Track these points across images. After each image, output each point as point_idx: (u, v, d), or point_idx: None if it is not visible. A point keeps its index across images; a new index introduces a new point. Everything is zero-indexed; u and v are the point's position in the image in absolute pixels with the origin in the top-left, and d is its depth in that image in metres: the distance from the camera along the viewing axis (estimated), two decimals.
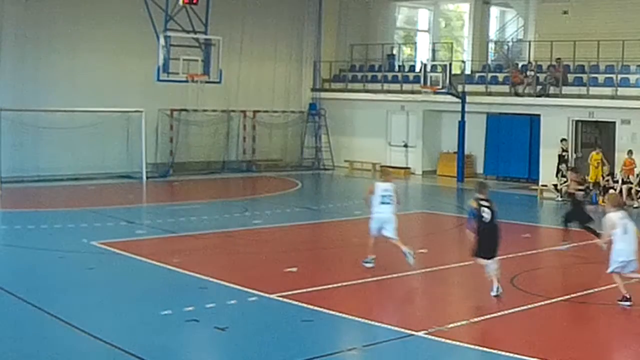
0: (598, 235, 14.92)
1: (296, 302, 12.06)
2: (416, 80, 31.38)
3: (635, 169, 24.52)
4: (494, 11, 36.68)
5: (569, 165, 26.09)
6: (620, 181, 24.44)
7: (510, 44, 35.08)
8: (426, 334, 10.56)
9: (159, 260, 14.93)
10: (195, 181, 29.26)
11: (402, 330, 10.72)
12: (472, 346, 10.14)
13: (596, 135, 28.69)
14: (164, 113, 30.54)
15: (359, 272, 14.13)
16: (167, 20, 25.99)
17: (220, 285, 13.25)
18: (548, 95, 27.81)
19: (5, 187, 24.32)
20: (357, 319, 11.35)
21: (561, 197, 25.05)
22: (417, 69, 33.07)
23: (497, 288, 12.39)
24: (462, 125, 30.20)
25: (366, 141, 33.70)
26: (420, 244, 17.06)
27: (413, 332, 10.63)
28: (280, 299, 12.29)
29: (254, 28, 32.59)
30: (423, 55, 35.77)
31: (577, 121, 27.78)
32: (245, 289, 12.79)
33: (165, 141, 30.67)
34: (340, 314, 11.55)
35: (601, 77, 26.86)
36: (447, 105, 30.79)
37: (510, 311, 11.85)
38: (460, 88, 30.17)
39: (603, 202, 24.15)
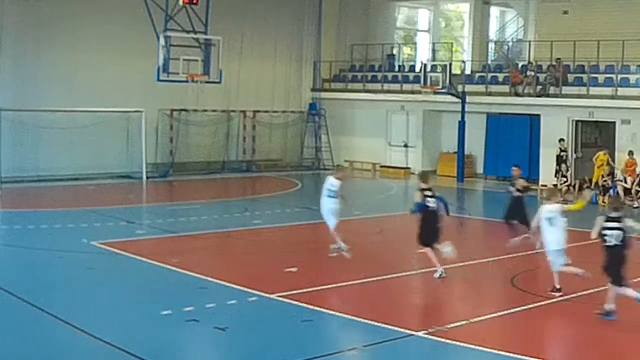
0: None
1: (296, 302, 12.06)
2: (416, 80, 31.39)
3: (637, 169, 24.50)
4: (494, 11, 36.69)
5: (568, 165, 26.13)
6: (622, 181, 24.38)
7: (510, 44, 35.09)
8: (426, 334, 10.56)
9: (159, 260, 14.93)
10: (195, 181, 29.26)
11: (402, 330, 10.71)
12: (472, 346, 10.13)
13: (596, 135, 28.72)
14: (164, 113, 30.55)
15: (359, 272, 14.12)
16: (167, 20, 25.99)
17: (220, 285, 13.25)
18: (548, 95, 27.81)
19: (5, 187, 24.33)
20: (357, 319, 11.35)
21: (561, 197, 25.04)
22: (417, 69, 33.08)
23: (441, 271, 13.71)
24: (462, 125, 30.20)
25: (366, 141, 33.70)
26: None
27: (413, 332, 10.63)
28: (280, 299, 12.29)
29: (254, 28, 32.59)
30: (423, 55, 35.78)
31: (577, 121, 27.79)
32: (245, 289, 12.79)
33: (165, 141, 30.68)
34: (340, 314, 11.56)
35: (601, 77, 26.86)
36: (447, 105, 30.79)
37: (510, 311, 11.86)
38: (460, 88, 30.17)
39: (603, 202, 24.20)
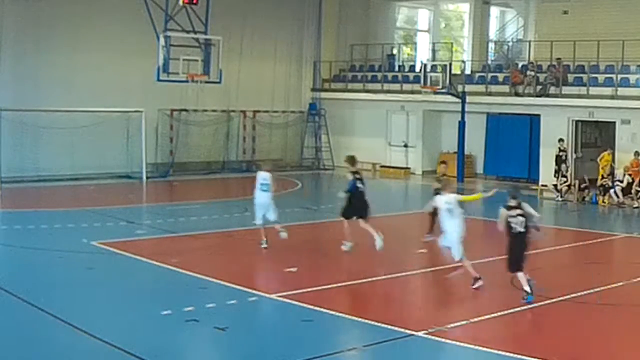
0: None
1: (296, 302, 12.06)
2: (416, 80, 31.39)
3: None
4: (494, 11, 36.69)
5: (567, 165, 26.11)
6: (624, 181, 24.28)
7: (510, 44, 35.08)
8: (426, 334, 10.56)
9: (159, 260, 14.93)
10: (195, 181, 29.25)
11: (402, 330, 10.71)
12: (472, 346, 10.13)
13: (596, 135, 28.72)
14: (164, 113, 30.55)
15: (359, 272, 14.13)
16: (167, 20, 25.97)
17: (220, 285, 13.25)
18: (548, 95, 27.80)
19: (5, 187, 24.33)
20: (357, 319, 11.36)
21: (561, 197, 25.07)
22: (417, 69, 33.08)
23: (350, 245, 15.41)
24: (462, 125, 30.20)
25: (366, 141, 33.67)
26: (419, 244, 17.06)
27: (413, 332, 10.63)
28: (280, 299, 12.29)
29: (254, 28, 32.59)
30: (423, 55, 35.78)
31: (577, 121, 27.79)
32: (245, 289, 12.79)
33: (165, 141, 30.68)
34: (340, 314, 11.56)
35: (601, 77, 26.85)
36: (447, 105, 30.78)
37: (510, 311, 11.85)
38: (460, 88, 30.17)
39: (603, 202, 24.21)
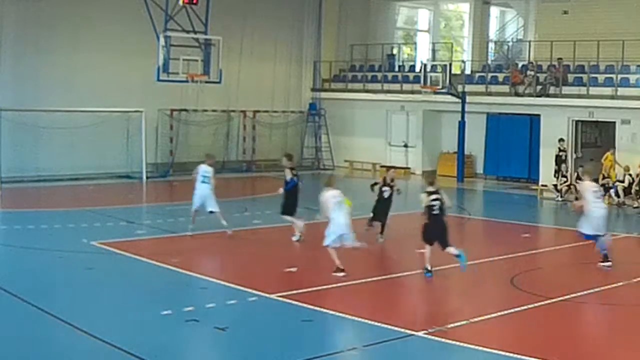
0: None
1: (296, 302, 12.07)
2: (416, 80, 31.39)
3: None
4: (494, 11, 36.67)
5: (567, 165, 26.11)
6: (625, 181, 24.22)
7: (510, 44, 35.07)
8: (426, 334, 10.57)
9: (159, 260, 14.93)
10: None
11: (402, 330, 10.71)
12: (472, 346, 10.13)
13: (596, 135, 28.72)
14: (164, 113, 30.55)
15: (359, 272, 14.13)
16: (167, 20, 25.98)
17: (220, 285, 13.26)
18: (548, 95, 27.81)
19: (5, 187, 24.33)
20: (357, 319, 11.36)
21: (561, 197, 25.07)
22: (417, 69, 33.08)
23: (299, 236, 16.82)
24: (462, 125, 30.20)
25: (366, 141, 33.69)
26: (419, 244, 17.05)
27: (413, 332, 10.63)
28: (280, 299, 12.29)
29: (254, 28, 32.59)
30: (423, 55, 35.77)
31: (577, 121, 27.79)
32: (245, 289, 12.79)
33: (165, 141, 30.67)
34: (340, 314, 11.56)
35: (601, 77, 26.85)
36: (447, 105, 30.78)
37: (510, 311, 11.85)
38: (460, 88, 30.17)
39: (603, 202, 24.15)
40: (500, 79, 30.16)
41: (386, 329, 10.82)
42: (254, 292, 12.62)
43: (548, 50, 28.26)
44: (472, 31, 35.90)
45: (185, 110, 30.76)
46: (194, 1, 25.64)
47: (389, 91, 32.91)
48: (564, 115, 27.43)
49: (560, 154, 26.33)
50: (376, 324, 11.06)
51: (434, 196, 14.02)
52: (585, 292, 12.93)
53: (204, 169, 17.54)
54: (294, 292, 12.63)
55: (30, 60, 27.04)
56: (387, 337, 10.55)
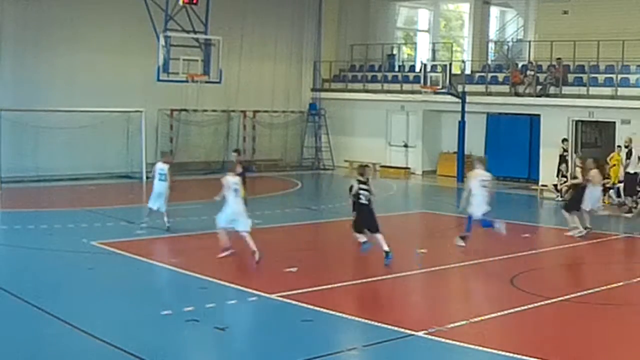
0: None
1: (296, 302, 12.06)
2: (416, 80, 31.38)
3: None
4: (494, 11, 36.69)
5: (567, 165, 26.09)
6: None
7: (510, 44, 35.07)
8: (426, 334, 10.56)
9: (159, 260, 14.93)
10: (195, 181, 29.21)
11: (402, 330, 10.71)
12: (472, 346, 10.13)
13: (596, 135, 28.71)
14: (164, 113, 30.55)
15: (359, 272, 14.13)
16: (167, 20, 25.96)
17: (220, 285, 13.25)
18: (548, 95, 27.80)
19: (5, 187, 24.33)
20: (357, 319, 11.36)
21: (561, 197, 25.06)
22: (417, 69, 33.08)
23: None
24: (462, 125, 30.19)
25: (366, 141, 33.69)
26: (420, 244, 17.06)
27: (413, 332, 10.63)
28: (280, 299, 12.29)
29: (254, 28, 32.60)
30: (423, 55, 35.78)
31: (577, 121, 27.78)
32: (245, 289, 12.79)
33: (165, 141, 30.66)
34: (340, 314, 11.55)
35: (601, 77, 26.84)
36: (447, 105, 30.78)
37: (510, 311, 11.85)
38: (460, 88, 30.16)
39: (603, 201, 24.16)
40: (500, 79, 30.16)
41: (386, 329, 10.81)
42: (254, 292, 12.62)
43: (548, 50, 28.26)
44: (472, 31, 35.90)
45: (185, 110, 30.77)
46: (194, 1, 25.63)
47: (389, 91, 32.91)
48: (564, 115, 27.42)
49: (564, 154, 26.31)
50: (376, 324, 11.05)
51: (363, 186, 15.02)
52: (585, 292, 12.93)
53: (160, 167, 18.25)
54: (294, 292, 12.62)
55: (30, 60, 27.05)
56: (387, 337, 10.54)
